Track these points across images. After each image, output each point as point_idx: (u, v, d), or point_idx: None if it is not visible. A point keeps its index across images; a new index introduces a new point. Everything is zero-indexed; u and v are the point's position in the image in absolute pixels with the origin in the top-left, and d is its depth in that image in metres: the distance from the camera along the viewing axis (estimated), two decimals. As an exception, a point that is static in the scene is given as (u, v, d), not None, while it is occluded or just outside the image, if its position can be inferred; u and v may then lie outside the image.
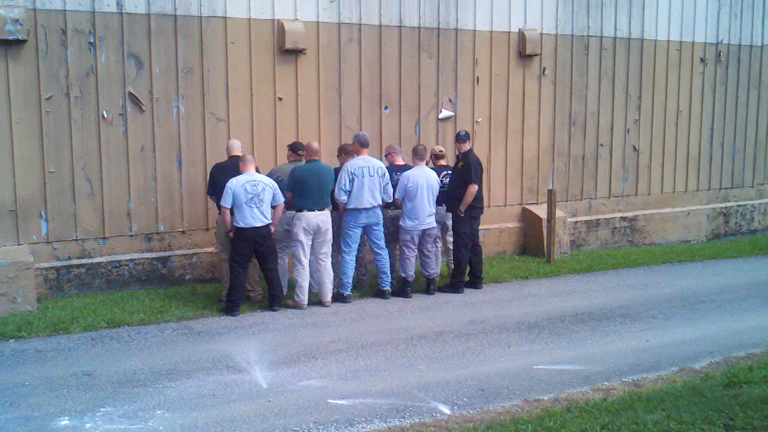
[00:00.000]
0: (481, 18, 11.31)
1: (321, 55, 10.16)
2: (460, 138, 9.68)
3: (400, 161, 9.70)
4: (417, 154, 9.46)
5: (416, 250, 9.42)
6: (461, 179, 9.48)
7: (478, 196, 9.59)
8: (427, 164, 9.62)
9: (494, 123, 11.64)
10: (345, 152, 9.24)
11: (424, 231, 9.33)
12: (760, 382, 6.02)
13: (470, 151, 9.71)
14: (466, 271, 9.71)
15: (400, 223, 9.34)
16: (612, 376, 6.60)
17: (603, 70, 12.55)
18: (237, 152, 8.84)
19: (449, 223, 9.76)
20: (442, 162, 9.93)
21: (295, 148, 9.11)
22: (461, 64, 11.24)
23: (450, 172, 9.74)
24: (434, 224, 9.41)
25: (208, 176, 9.23)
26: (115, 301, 8.72)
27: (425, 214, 9.25)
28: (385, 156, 9.85)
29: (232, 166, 8.63)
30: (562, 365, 6.87)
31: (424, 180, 9.24)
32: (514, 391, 6.22)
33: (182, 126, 9.42)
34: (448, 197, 9.60)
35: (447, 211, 9.68)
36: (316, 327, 8.04)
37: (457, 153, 9.76)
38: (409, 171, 9.33)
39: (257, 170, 8.72)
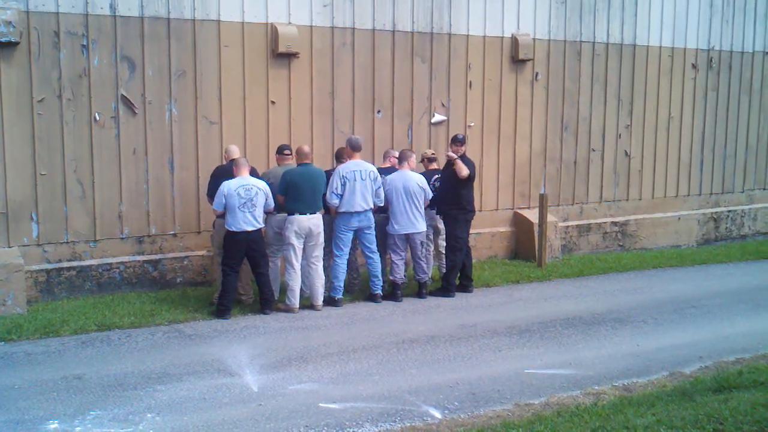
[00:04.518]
0: (475, 23, 11.34)
1: (314, 59, 10.16)
2: (459, 141, 9.62)
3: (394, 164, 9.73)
4: (399, 157, 9.47)
5: (404, 254, 9.41)
6: (453, 181, 9.45)
7: (470, 200, 9.60)
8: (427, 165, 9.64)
9: (486, 128, 11.66)
10: (338, 157, 9.25)
11: (408, 235, 9.32)
12: (750, 387, 6.04)
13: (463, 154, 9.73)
14: (457, 275, 9.72)
15: (386, 227, 9.36)
16: (603, 380, 6.63)
17: (595, 75, 12.59)
18: (236, 156, 8.83)
19: (441, 226, 9.76)
20: (434, 165, 9.92)
21: (280, 150, 9.12)
22: (454, 69, 11.26)
23: (439, 175, 9.73)
24: (419, 229, 9.30)
25: (203, 179, 9.28)
26: (106, 304, 8.69)
27: (405, 218, 9.20)
28: (389, 159, 9.84)
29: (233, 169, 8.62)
30: (552, 369, 6.89)
31: (401, 184, 9.20)
32: (504, 395, 6.24)
33: (175, 129, 9.40)
34: (438, 200, 9.58)
35: (437, 213, 9.69)
36: (308, 331, 8.04)
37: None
38: (390, 175, 9.33)
39: (255, 173, 8.72)
